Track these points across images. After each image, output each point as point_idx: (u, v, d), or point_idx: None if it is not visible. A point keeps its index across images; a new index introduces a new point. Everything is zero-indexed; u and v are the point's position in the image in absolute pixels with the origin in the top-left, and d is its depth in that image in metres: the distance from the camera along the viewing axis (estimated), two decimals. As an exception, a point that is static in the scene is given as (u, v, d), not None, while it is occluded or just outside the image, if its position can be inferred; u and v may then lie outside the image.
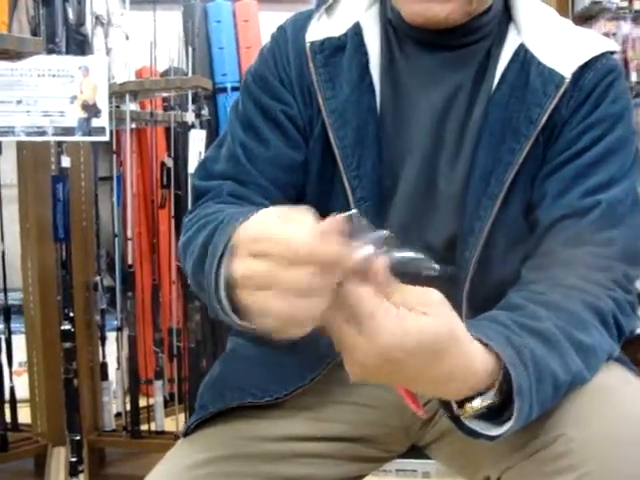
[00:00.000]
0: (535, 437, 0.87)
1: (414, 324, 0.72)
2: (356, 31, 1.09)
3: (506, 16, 1.09)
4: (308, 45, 1.09)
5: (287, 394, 1.06)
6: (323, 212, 1.07)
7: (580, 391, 0.88)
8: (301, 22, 1.12)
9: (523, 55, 1.05)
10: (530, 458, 0.88)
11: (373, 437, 1.10)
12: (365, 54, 1.08)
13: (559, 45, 1.04)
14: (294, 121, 1.10)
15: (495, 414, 0.82)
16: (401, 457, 1.17)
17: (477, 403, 0.80)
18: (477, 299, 1.03)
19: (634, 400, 0.88)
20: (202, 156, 2.43)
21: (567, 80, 1.01)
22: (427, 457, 1.17)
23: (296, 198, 1.10)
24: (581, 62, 1.02)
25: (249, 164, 1.08)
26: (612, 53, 1.07)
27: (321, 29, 1.10)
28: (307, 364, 1.06)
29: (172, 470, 1.02)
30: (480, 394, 0.80)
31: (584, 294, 0.92)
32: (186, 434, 1.07)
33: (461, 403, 0.82)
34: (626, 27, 3.03)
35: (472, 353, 0.78)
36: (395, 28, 1.10)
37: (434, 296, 0.75)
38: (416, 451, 1.17)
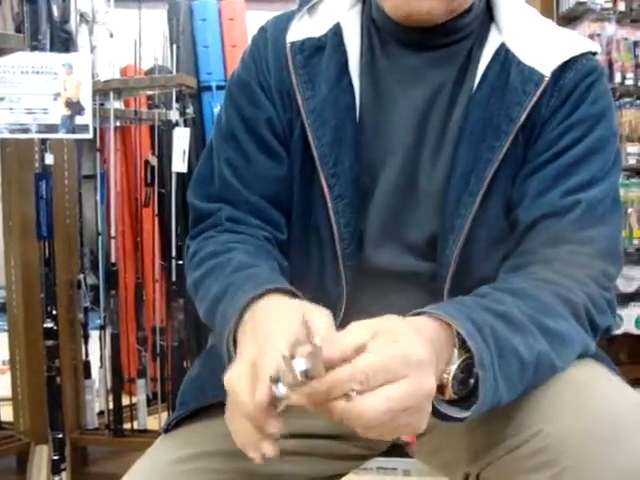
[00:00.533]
0: (513, 434, 0.88)
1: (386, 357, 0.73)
2: (336, 31, 1.10)
3: (488, 16, 1.10)
4: (288, 46, 1.09)
5: (268, 391, 1.06)
6: (305, 213, 1.09)
7: (556, 387, 0.88)
8: (282, 23, 1.13)
9: (504, 55, 1.05)
10: (508, 455, 0.89)
11: (355, 434, 1.09)
12: (344, 54, 1.09)
13: (540, 44, 1.05)
14: (275, 131, 1.11)
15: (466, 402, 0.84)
16: (382, 455, 1.17)
17: (451, 370, 0.82)
18: (458, 296, 1.04)
19: (609, 395, 0.88)
20: (186, 154, 2.43)
21: (547, 78, 1.01)
22: (408, 455, 1.17)
23: (285, 205, 1.12)
24: (561, 61, 1.02)
25: (236, 182, 1.11)
26: (594, 54, 1.07)
27: (302, 29, 1.10)
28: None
29: (153, 466, 1.02)
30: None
31: (555, 286, 0.93)
32: (167, 430, 1.07)
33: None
34: (610, 28, 3.03)
35: (430, 340, 0.79)
36: (378, 28, 1.10)
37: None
38: (397, 449, 1.17)
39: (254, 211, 1.11)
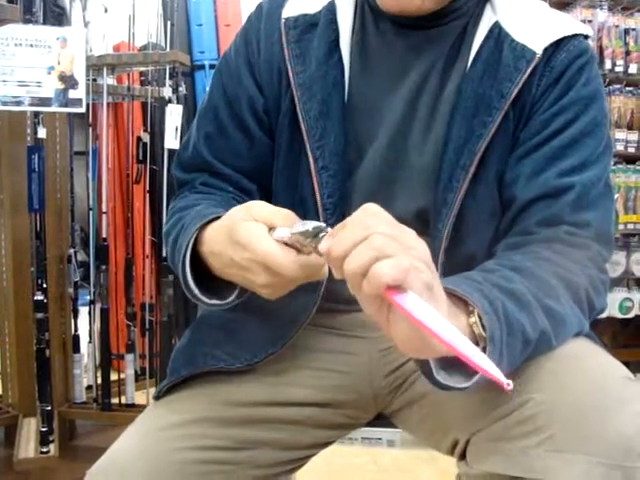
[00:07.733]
0: (504, 401, 0.90)
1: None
2: (330, 8, 1.11)
3: None
4: (283, 21, 1.11)
5: (258, 361, 1.08)
6: (292, 185, 1.11)
7: (549, 358, 0.90)
8: (279, 0, 1.14)
9: (497, 33, 1.06)
10: (498, 422, 0.91)
11: (341, 403, 1.12)
12: (335, 30, 1.10)
13: (533, 24, 1.06)
14: (254, 111, 1.14)
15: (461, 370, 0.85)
16: (367, 425, 1.19)
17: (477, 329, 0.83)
18: (451, 271, 1.05)
19: (598, 367, 0.91)
20: (179, 131, 2.44)
21: (538, 55, 1.02)
22: (393, 426, 1.19)
23: (259, 179, 1.15)
24: (553, 39, 1.04)
25: (210, 157, 1.15)
26: (586, 37, 1.08)
27: (297, 6, 1.12)
28: (277, 330, 1.08)
29: (144, 432, 1.04)
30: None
31: (558, 267, 0.95)
32: (157, 397, 1.09)
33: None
34: (602, 15, 3.05)
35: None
36: (372, 6, 1.12)
37: None
38: (382, 419, 1.19)
39: (228, 181, 1.15)
